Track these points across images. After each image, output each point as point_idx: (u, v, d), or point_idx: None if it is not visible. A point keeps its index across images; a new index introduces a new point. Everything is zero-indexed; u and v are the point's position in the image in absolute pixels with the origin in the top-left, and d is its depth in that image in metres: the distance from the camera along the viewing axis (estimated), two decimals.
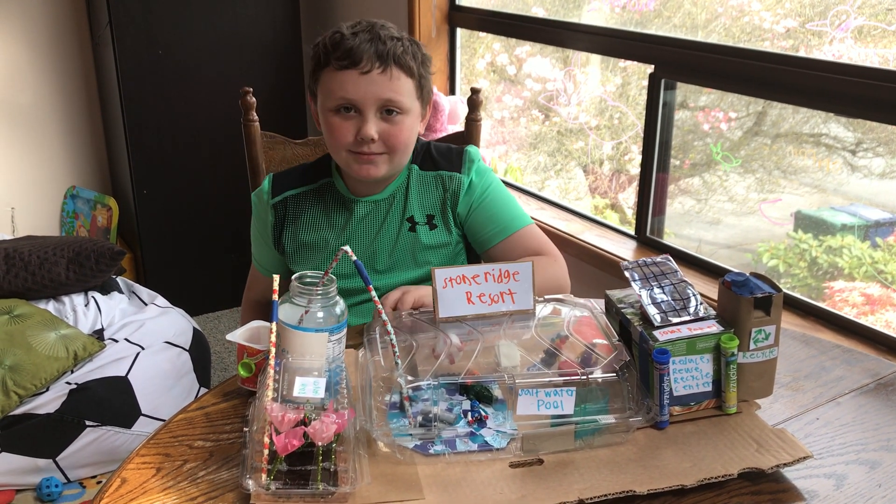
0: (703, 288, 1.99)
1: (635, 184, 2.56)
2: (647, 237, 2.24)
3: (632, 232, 2.30)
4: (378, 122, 1.38)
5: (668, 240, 2.28)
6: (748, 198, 2.23)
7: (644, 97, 2.16)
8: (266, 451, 0.94)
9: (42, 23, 3.14)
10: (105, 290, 2.74)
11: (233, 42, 3.02)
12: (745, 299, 1.03)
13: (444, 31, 2.79)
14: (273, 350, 1.04)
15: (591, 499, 0.93)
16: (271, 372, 1.02)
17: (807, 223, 2.07)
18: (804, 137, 2.07)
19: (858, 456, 1.03)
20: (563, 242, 2.35)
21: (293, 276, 1.10)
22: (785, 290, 1.92)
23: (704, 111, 2.26)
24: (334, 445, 0.95)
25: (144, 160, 2.98)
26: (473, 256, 1.61)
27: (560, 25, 2.40)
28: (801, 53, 1.93)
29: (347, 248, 1.09)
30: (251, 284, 1.69)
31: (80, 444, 2.21)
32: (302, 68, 3.20)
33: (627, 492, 0.94)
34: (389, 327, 1.10)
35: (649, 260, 1.17)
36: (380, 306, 1.13)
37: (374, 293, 1.14)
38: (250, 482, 0.93)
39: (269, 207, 1.53)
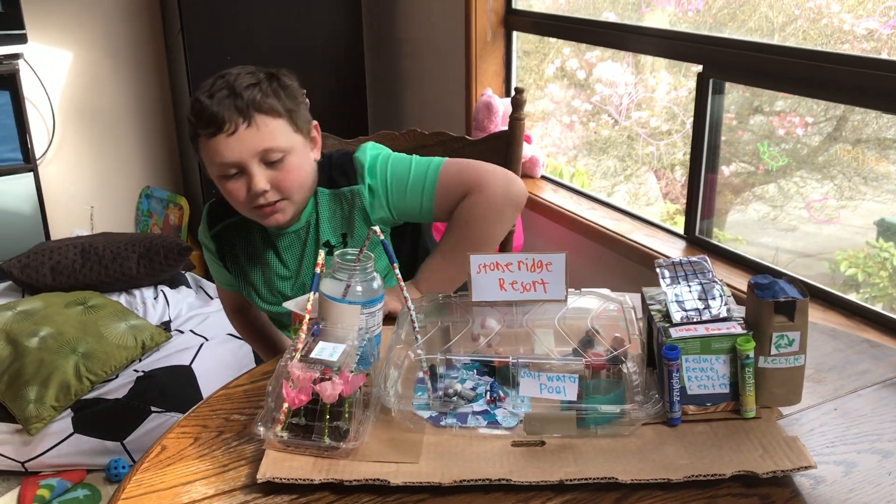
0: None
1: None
2: (696, 237, 2.23)
3: (681, 231, 2.30)
4: (264, 172, 1.37)
5: (739, 248, 2.25)
6: (826, 205, 2.17)
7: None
8: (285, 405, 1.01)
9: (120, 30, 3.30)
10: (174, 285, 2.87)
11: (297, 48, 3.12)
12: (766, 303, 1.02)
13: (499, 35, 2.83)
14: (307, 317, 1.13)
15: (572, 480, 0.95)
16: (302, 336, 1.11)
17: (890, 232, 2.00)
18: (888, 143, 2.01)
19: (872, 445, 1.02)
20: (612, 241, 2.37)
21: (336, 253, 1.17)
22: (862, 303, 1.88)
23: (780, 116, 2.23)
24: (346, 406, 1.01)
25: None
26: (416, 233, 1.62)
27: (609, 27, 2.42)
28: (856, 53, 1.89)
29: (377, 227, 1.15)
30: (224, 302, 1.77)
31: (146, 429, 2.33)
32: (364, 74, 3.28)
33: (609, 478, 0.95)
34: (410, 304, 1.16)
35: (685, 259, 1.16)
36: (402, 283, 1.19)
37: (397, 271, 1.19)
38: (261, 429, 1.00)
39: (210, 239, 1.58)
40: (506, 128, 2.63)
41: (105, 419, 2.33)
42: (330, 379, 1.01)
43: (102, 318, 2.51)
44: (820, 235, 2.20)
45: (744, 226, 2.28)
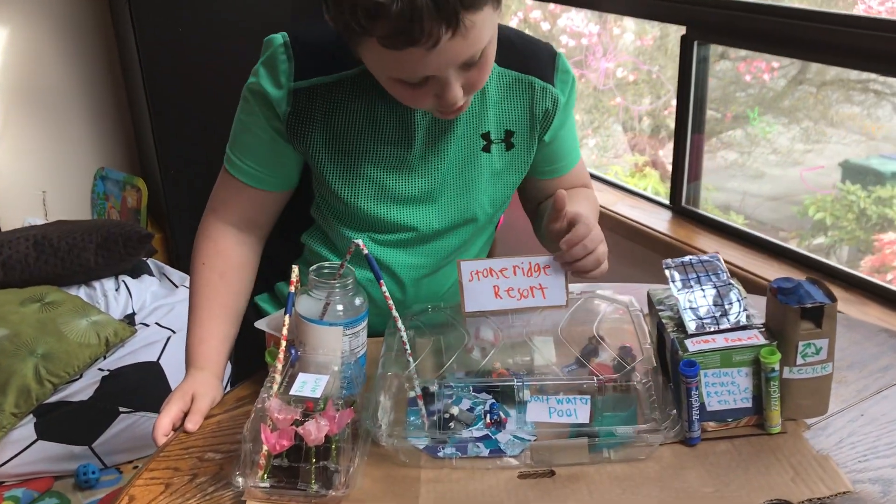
0: (744, 261, 1.90)
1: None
2: (682, 207, 2.14)
3: (667, 202, 2.20)
4: (461, 77, 1.01)
5: (710, 195, 2.19)
6: (793, 149, 2.13)
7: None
8: (265, 447, 0.90)
9: (61, 3, 3.11)
10: (135, 274, 2.73)
11: (255, 14, 2.95)
12: (792, 309, 0.93)
13: None
14: (284, 344, 1.01)
15: None
16: (279, 366, 0.99)
17: (854, 173, 1.98)
18: (851, 84, 1.96)
19: None
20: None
21: (311, 269, 1.05)
22: (835, 240, 1.86)
23: (746, 62, 2.16)
24: (334, 445, 0.91)
25: (169, 140, 2.95)
26: None
27: None
28: (837, 11, 1.81)
29: (360, 241, 1.03)
30: (226, 200, 1.20)
31: (115, 431, 2.22)
32: None
33: None
34: (400, 323, 1.05)
35: (695, 259, 1.06)
36: (390, 302, 1.07)
37: (384, 289, 1.08)
38: (240, 480, 0.89)
39: (290, 92, 1.11)
40: None
41: (70, 423, 2.21)
42: (314, 418, 0.90)
43: (61, 315, 2.37)
44: (786, 178, 2.16)
45: (713, 173, 2.23)
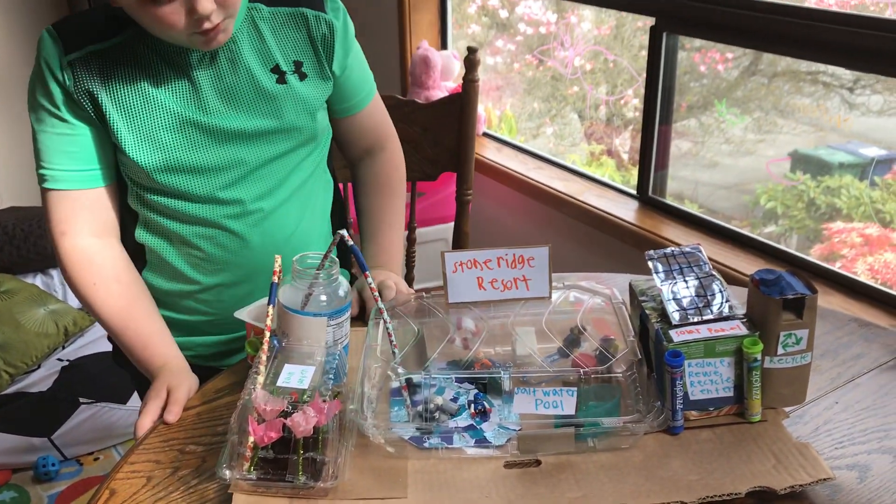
0: (712, 252, 1.93)
1: (630, 128, 2.49)
2: (649, 196, 2.16)
3: (633, 191, 2.22)
4: None
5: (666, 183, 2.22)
6: (746, 139, 2.17)
7: (638, 39, 2.06)
8: (251, 439, 0.89)
9: None
10: None
11: None
12: (774, 300, 0.94)
13: None
14: (268, 335, 1.00)
15: None
16: (263, 357, 0.98)
17: (804, 162, 2.01)
18: (802, 76, 2.00)
19: (881, 444, 0.97)
20: (562, 203, 2.28)
21: (295, 259, 1.03)
22: (785, 229, 1.90)
23: (701, 52, 2.19)
24: (321, 436, 0.90)
25: None
26: None
27: None
28: (807, 4, 1.85)
29: (344, 231, 1.03)
30: (69, 217, 1.16)
31: (75, 422, 2.18)
32: None
33: None
34: (385, 315, 1.05)
35: (677, 250, 1.07)
36: (376, 294, 1.08)
37: (370, 280, 1.08)
38: (227, 472, 0.88)
39: (65, 67, 1.12)
40: (449, 83, 2.51)
41: (29, 414, 2.16)
42: (302, 409, 0.89)
43: (18, 305, 2.31)
44: (737, 168, 2.20)
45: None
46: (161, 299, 1.28)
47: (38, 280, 2.54)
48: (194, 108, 1.17)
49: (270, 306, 1.01)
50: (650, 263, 1.05)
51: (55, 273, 2.58)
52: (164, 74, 1.16)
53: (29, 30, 3.10)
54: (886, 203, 1.87)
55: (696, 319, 0.98)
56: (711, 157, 2.27)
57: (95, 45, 1.13)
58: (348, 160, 1.45)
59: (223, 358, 1.34)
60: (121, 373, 2.24)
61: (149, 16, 1.06)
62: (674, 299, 1.00)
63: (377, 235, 1.37)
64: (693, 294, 1.01)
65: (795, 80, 2.02)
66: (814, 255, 1.93)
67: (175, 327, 1.27)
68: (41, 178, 1.16)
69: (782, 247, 1.92)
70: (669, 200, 2.15)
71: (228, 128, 1.19)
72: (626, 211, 2.15)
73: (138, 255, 1.27)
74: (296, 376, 0.94)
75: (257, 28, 1.20)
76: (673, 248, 1.07)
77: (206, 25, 1.07)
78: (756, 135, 2.13)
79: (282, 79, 1.21)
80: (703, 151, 2.29)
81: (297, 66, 1.23)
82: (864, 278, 1.79)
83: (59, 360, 2.26)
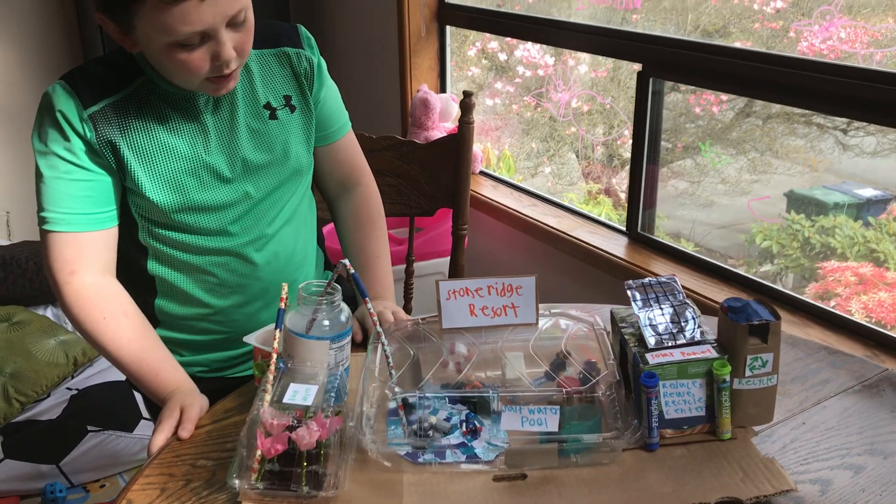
0: (696, 285, 2.01)
1: (627, 168, 2.58)
2: (637, 233, 2.25)
3: (623, 227, 2.31)
4: (231, 38, 1.16)
5: (661, 223, 2.30)
6: (741, 179, 2.25)
7: (634, 82, 2.16)
8: (258, 452, 0.97)
9: (34, 29, 3.13)
10: None
11: None
12: (741, 326, 1.03)
13: (433, 30, 2.79)
14: (275, 357, 1.08)
15: None
16: (270, 377, 1.06)
17: (799, 203, 2.06)
18: (796, 118, 2.08)
19: (843, 461, 1.04)
20: (555, 239, 2.37)
21: (300, 286, 1.12)
22: (781, 268, 1.97)
23: (696, 94, 2.27)
24: (323, 450, 0.98)
25: None
26: None
27: (549, 24, 2.40)
28: (785, 53, 1.94)
29: (346, 261, 1.11)
30: (76, 257, 1.22)
31: (83, 449, 2.24)
32: None
33: None
34: (384, 339, 1.13)
35: (654, 280, 1.16)
36: (375, 318, 1.16)
37: (370, 305, 1.16)
38: (236, 481, 0.96)
39: (84, 120, 1.20)
40: (447, 124, 2.62)
41: (38, 442, 2.22)
42: (306, 424, 0.97)
43: (30, 335, 2.39)
44: (734, 207, 2.27)
45: (664, 201, 2.34)
46: (174, 323, 1.37)
47: (48, 312, 2.62)
48: (204, 150, 1.28)
49: (277, 330, 1.09)
50: (629, 292, 1.14)
51: None
52: (175, 120, 1.26)
53: (46, 75, 3.21)
54: (880, 243, 1.91)
55: (670, 344, 1.07)
56: (707, 196, 2.34)
57: (111, 98, 1.23)
58: (326, 198, 1.54)
59: (229, 369, 1.44)
60: (128, 401, 2.33)
61: (176, 61, 1.15)
62: (650, 325, 1.09)
63: (368, 269, 1.46)
64: (668, 321, 1.09)
65: (789, 122, 2.08)
66: (809, 293, 1.98)
67: (188, 347, 1.38)
68: (44, 221, 1.23)
69: (754, 277, 1.99)
70: (666, 239, 2.23)
71: (234, 165, 1.30)
72: (615, 246, 2.24)
73: (150, 285, 1.36)
74: (300, 394, 1.02)
75: (248, 69, 1.32)
76: (650, 279, 1.16)
77: (226, 71, 1.18)
78: (751, 175, 2.19)
79: (273, 114, 1.33)
80: (699, 191, 2.36)
81: (287, 99, 1.35)
82: (858, 317, 1.84)
83: (68, 388, 2.32)
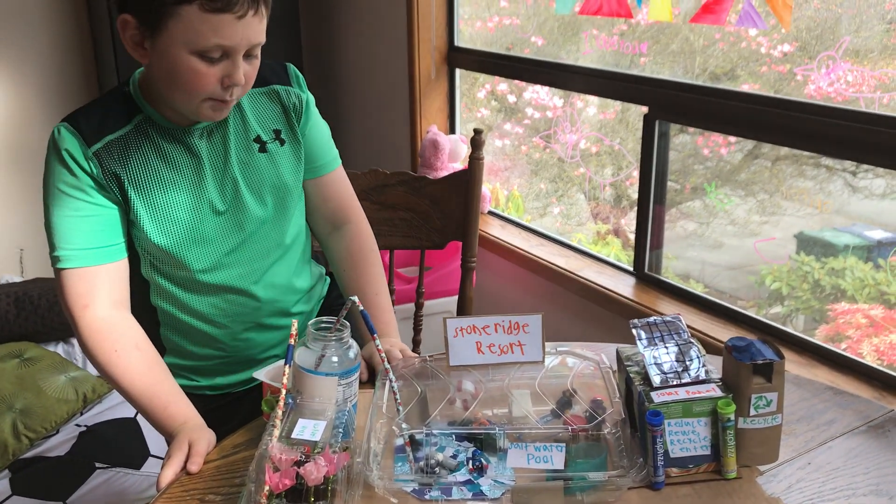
0: (703, 325, 2.02)
1: (636, 209, 2.59)
2: (645, 273, 2.27)
3: (631, 268, 2.33)
4: (242, 66, 1.23)
5: (671, 263, 2.31)
6: (750, 220, 2.25)
7: (642, 123, 2.18)
8: (266, 487, 0.97)
9: (52, 67, 3.19)
10: None
11: None
12: (745, 365, 1.04)
13: (443, 72, 2.84)
14: (284, 392, 1.09)
15: None
16: (279, 412, 1.07)
17: (809, 244, 2.07)
18: (804, 159, 2.09)
19: (849, 501, 1.04)
20: (563, 278, 2.39)
21: (310, 323, 1.14)
22: (791, 310, 1.96)
23: (704, 135, 2.30)
24: (330, 486, 0.98)
25: None
26: None
27: (557, 67, 2.44)
28: (791, 97, 1.96)
29: (355, 297, 1.13)
30: (89, 291, 1.25)
31: (91, 486, 2.23)
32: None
33: None
34: (392, 375, 1.14)
35: (659, 319, 1.17)
36: (383, 354, 1.18)
37: (378, 342, 1.18)
38: None
39: (90, 158, 1.25)
40: (456, 165, 2.65)
41: (46, 478, 2.22)
42: (313, 460, 0.98)
43: (40, 371, 2.40)
44: (743, 249, 2.28)
45: (673, 242, 2.35)
46: (178, 350, 1.41)
47: (59, 348, 2.64)
48: (199, 185, 1.32)
49: (287, 366, 1.11)
50: (634, 331, 1.15)
51: (76, 342, 2.67)
52: (172, 153, 1.30)
53: (61, 114, 3.27)
54: (891, 285, 1.91)
55: (675, 382, 1.07)
56: (716, 237, 2.35)
57: (112, 135, 1.27)
58: (318, 236, 1.57)
59: (233, 388, 1.48)
60: (136, 438, 2.33)
61: (190, 71, 1.20)
62: (655, 364, 1.10)
63: (368, 307, 1.44)
64: (673, 359, 1.10)
65: (798, 164, 2.09)
66: (819, 335, 1.98)
67: (193, 371, 1.42)
68: (57, 260, 1.26)
69: (762, 318, 2.00)
70: (675, 280, 2.24)
71: (226, 198, 1.34)
72: (623, 286, 2.25)
73: (153, 316, 1.40)
74: (308, 430, 1.03)
75: (240, 107, 1.36)
76: (655, 318, 1.17)
77: (228, 96, 1.23)
78: (760, 216, 2.21)
79: (263, 147, 1.37)
80: (708, 232, 2.38)
81: (276, 133, 1.39)
82: (869, 360, 1.84)
83: (77, 425, 2.33)
